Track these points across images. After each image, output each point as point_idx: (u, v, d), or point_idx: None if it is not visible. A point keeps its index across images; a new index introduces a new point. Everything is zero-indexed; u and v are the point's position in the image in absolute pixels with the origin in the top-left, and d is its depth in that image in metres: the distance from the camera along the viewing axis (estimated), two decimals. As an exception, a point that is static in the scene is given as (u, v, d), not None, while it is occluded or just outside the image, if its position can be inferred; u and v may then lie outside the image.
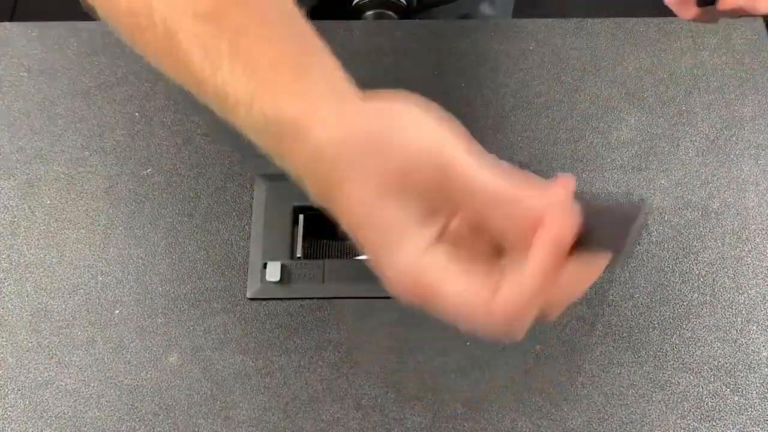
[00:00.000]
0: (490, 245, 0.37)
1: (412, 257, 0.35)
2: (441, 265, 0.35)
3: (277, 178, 0.72)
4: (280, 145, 0.39)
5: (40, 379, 0.65)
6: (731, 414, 0.64)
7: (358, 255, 0.72)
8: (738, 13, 0.65)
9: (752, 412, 0.64)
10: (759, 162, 0.74)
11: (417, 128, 0.36)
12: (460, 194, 0.35)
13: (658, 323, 0.67)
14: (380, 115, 0.37)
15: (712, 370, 0.65)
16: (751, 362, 0.66)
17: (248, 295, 0.68)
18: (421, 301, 0.36)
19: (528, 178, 0.36)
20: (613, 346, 0.66)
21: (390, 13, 0.91)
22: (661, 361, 0.66)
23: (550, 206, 0.34)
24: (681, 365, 0.65)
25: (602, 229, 0.34)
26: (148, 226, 0.71)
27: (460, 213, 0.37)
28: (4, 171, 0.73)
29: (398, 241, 0.35)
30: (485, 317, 0.34)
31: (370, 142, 0.36)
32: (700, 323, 0.67)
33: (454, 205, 0.36)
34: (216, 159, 0.74)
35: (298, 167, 0.38)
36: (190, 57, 0.41)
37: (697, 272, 0.69)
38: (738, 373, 0.65)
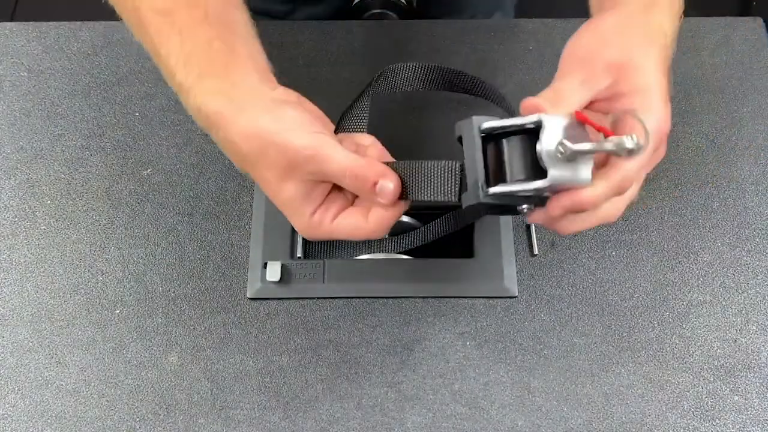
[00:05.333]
0: (352, 196, 0.54)
1: (305, 220, 0.52)
2: (325, 221, 0.53)
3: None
4: (209, 129, 0.53)
5: (40, 378, 0.65)
6: (730, 413, 0.64)
7: (358, 255, 0.72)
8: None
9: (752, 411, 0.64)
10: (759, 162, 0.74)
11: (298, 131, 0.51)
12: (331, 176, 0.51)
13: (658, 323, 0.67)
14: (275, 118, 0.51)
15: (711, 369, 0.65)
16: (750, 362, 0.66)
17: (248, 295, 0.68)
18: (323, 238, 0.54)
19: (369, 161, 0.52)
20: (613, 346, 0.66)
21: (390, 13, 0.91)
22: (660, 360, 0.66)
23: (378, 175, 0.51)
24: (680, 365, 0.66)
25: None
26: (148, 226, 0.71)
27: (332, 184, 0.53)
28: (4, 171, 0.73)
29: (295, 211, 0.52)
30: (364, 231, 0.53)
31: (267, 142, 0.50)
32: (699, 323, 0.67)
33: (328, 180, 0.52)
34: (216, 159, 0.74)
35: (222, 147, 0.53)
36: (153, 39, 0.54)
37: (697, 272, 0.69)
38: (737, 372, 0.65)
